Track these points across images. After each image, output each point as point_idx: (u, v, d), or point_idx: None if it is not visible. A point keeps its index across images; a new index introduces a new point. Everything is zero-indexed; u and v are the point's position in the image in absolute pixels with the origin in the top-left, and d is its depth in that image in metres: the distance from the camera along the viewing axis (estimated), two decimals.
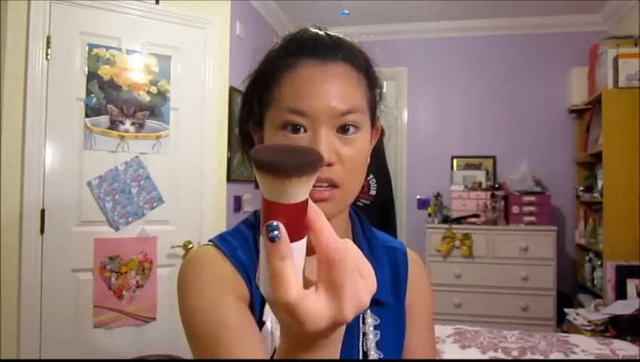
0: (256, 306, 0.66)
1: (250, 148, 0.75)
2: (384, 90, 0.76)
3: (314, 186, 0.63)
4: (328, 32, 0.70)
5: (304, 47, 0.67)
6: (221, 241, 0.69)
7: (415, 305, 0.78)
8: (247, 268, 0.66)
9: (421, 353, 0.77)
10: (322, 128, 0.64)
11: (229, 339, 0.59)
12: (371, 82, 0.71)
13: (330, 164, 0.64)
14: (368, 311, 0.70)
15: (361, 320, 0.70)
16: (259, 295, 0.66)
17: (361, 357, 0.69)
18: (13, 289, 2.09)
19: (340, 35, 0.71)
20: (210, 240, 0.71)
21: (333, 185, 0.64)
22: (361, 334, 0.70)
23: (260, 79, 0.70)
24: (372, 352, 0.69)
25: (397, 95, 4.48)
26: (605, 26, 3.93)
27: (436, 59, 4.38)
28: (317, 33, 0.70)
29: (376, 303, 0.71)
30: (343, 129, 0.65)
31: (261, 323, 0.65)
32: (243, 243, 0.69)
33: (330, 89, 0.65)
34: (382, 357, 0.69)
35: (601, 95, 3.18)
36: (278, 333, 0.64)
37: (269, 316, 0.65)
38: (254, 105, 0.71)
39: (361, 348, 0.69)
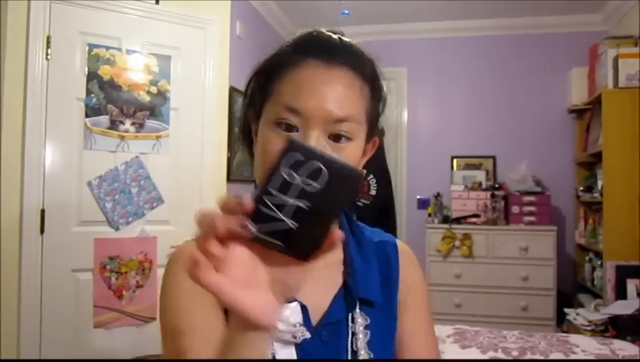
0: None
1: (249, 140, 0.76)
2: (387, 102, 0.75)
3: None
4: (341, 37, 0.70)
5: (312, 47, 0.67)
6: None
7: (409, 295, 0.77)
8: None
9: (420, 338, 0.76)
10: (314, 131, 0.63)
11: (192, 344, 0.63)
12: (375, 93, 0.70)
13: None
14: (357, 310, 0.70)
15: (350, 320, 0.70)
16: None
17: (350, 357, 0.69)
18: (13, 289, 2.09)
19: (353, 42, 0.71)
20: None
21: None
22: (350, 334, 0.69)
23: (265, 72, 0.71)
24: (362, 352, 0.68)
25: (397, 95, 4.47)
26: (605, 26, 3.93)
27: (436, 59, 4.38)
28: (329, 36, 0.70)
29: (365, 303, 0.71)
30: (335, 137, 0.65)
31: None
32: None
33: (329, 92, 0.64)
34: (372, 356, 0.69)
35: (601, 95, 3.18)
36: None
37: None
38: (257, 96, 0.72)
39: (350, 347, 0.69)
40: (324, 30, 0.71)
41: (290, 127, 0.64)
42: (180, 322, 0.65)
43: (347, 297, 0.70)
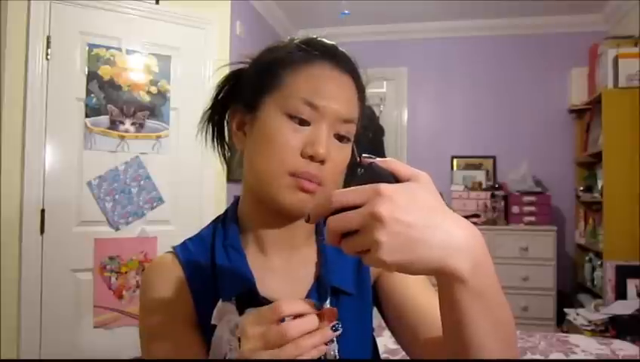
0: (206, 310, 0.68)
1: (217, 130, 0.79)
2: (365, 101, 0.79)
3: (303, 178, 0.65)
4: (338, 47, 0.74)
5: (325, 50, 0.70)
6: (181, 249, 0.75)
7: (383, 276, 0.76)
8: (201, 276, 0.71)
9: (426, 303, 0.72)
10: (325, 126, 0.67)
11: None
12: (362, 103, 0.74)
13: (323, 162, 0.66)
14: (327, 301, 0.70)
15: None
16: (210, 299, 0.69)
17: None
18: (14, 289, 2.09)
19: (349, 53, 0.74)
20: (172, 247, 0.76)
21: (318, 182, 0.66)
22: None
23: (268, 64, 0.71)
24: (328, 342, 0.68)
25: (397, 95, 4.48)
26: (605, 26, 3.92)
27: (436, 59, 4.37)
28: (334, 44, 0.73)
29: (338, 293, 0.71)
30: (339, 137, 0.69)
31: (212, 327, 0.67)
32: (202, 249, 0.74)
33: (342, 95, 0.69)
34: (337, 348, 0.68)
35: (601, 95, 3.18)
36: (226, 337, 0.65)
37: (216, 319, 0.66)
38: (247, 87, 0.72)
39: None
40: (324, 38, 0.74)
41: (303, 121, 0.66)
42: (154, 344, 0.69)
43: (320, 289, 0.71)
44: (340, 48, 0.73)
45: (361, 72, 0.74)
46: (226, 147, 0.82)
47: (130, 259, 2.34)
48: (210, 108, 0.79)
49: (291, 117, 0.66)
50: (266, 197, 0.69)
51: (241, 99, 0.73)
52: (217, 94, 0.78)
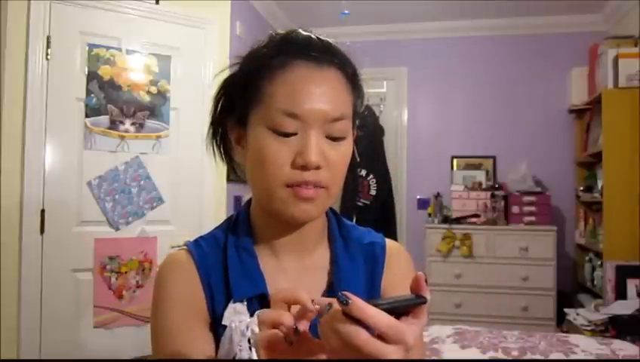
0: (217, 310, 0.68)
1: (222, 146, 0.78)
2: (366, 100, 0.77)
3: (300, 186, 0.64)
4: (319, 37, 0.70)
5: (298, 48, 0.67)
6: (195, 247, 0.74)
7: (394, 290, 0.75)
8: (213, 275, 0.71)
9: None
10: (313, 131, 0.64)
11: None
12: (356, 90, 0.72)
13: (318, 168, 0.64)
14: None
15: None
16: (221, 299, 0.69)
17: None
18: (14, 289, 2.09)
19: (331, 41, 0.71)
20: (185, 244, 0.75)
21: (318, 186, 0.66)
22: None
23: (249, 75, 0.69)
24: None
25: (397, 95, 4.48)
26: (605, 26, 3.93)
27: (436, 59, 4.38)
28: (310, 36, 0.69)
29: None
30: (331, 137, 0.66)
31: (222, 327, 0.67)
32: (215, 249, 0.73)
33: (324, 93, 0.65)
34: None
35: (601, 95, 3.18)
36: (236, 338, 0.65)
37: (228, 320, 0.66)
38: (237, 101, 0.71)
39: None
40: (301, 30, 0.70)
41: (288, 133, 0.64)
42: (171, 346, 0.67)
43: (331, 297, 0.70)
44: (316, 37, 0.69)
45: (348, 54, 0.71)
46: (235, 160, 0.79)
47: (130, 259, 2.34)
48: (211, 125, 0.77)
49: (276, 131, 0.65)
50: (271, 210, 0.69)
51: (233, 112, 0.72)
52: (215, 109, 0.77)
